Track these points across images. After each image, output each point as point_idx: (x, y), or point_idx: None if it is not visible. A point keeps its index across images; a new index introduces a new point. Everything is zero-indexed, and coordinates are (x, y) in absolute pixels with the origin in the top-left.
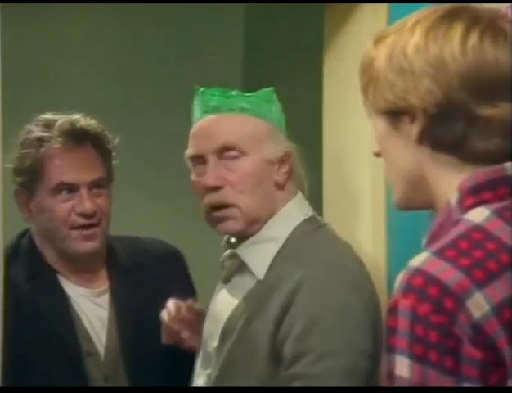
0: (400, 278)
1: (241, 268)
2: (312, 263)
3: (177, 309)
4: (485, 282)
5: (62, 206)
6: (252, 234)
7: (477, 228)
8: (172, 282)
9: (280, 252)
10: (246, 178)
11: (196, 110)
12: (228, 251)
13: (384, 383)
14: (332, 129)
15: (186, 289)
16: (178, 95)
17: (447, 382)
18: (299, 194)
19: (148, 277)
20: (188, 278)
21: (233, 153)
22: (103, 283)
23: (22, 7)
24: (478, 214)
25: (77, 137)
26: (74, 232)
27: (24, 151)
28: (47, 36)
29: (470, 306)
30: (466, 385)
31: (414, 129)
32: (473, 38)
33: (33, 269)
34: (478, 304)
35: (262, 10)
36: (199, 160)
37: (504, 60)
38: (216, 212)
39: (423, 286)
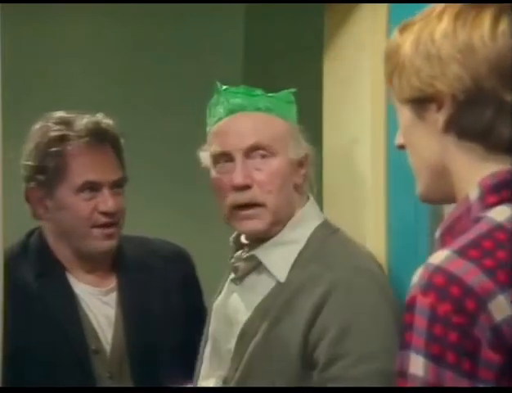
0: (419, 275)
1: (257, 269)
2: (340, 265)
3: None
4: (508, 284)
5: (85, 204)
6: (271, 236)
7: (500, 227)
8: (180, 282)
9: (301, 254)
10: (273, 178)
11: (218, 108)
12: (240, 252)
13: (395, 381)
14: (332, 129)
15: (193, 289)
16: (178, 95)
17: (463, 384)
18: (311, 197)
19: (155, 276)
20: (195, 279)
21: (261, 153)
22: (111, 282)
23: (22, 7)
24: (501, 213)
25: (99, 136)
26: (96, 231)
27: (45, 149)
28: (47, 36)
29: (492, 308)
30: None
31: (441, 117)
32: (503, 24)
33: (43, 267)
34: (501, 307)
35: (262, 10)
36: (225, 157)
37: None
38: (242, 210)
39: (444, 285)
